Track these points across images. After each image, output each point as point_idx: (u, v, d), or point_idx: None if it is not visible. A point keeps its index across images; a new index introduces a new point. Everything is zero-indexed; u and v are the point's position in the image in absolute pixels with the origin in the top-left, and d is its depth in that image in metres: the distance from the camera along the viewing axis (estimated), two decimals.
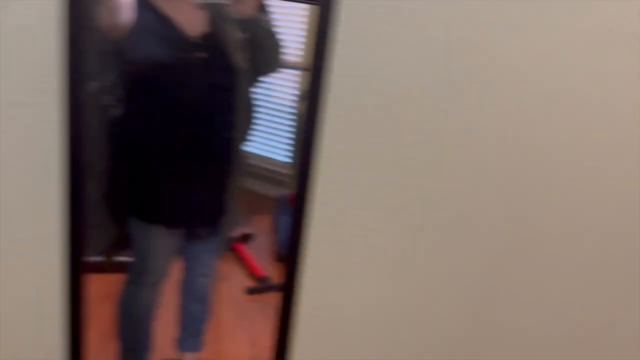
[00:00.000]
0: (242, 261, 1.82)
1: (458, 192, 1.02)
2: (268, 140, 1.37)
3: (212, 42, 1.09)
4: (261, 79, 1.17)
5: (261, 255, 1.82)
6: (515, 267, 1.10)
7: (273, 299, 1.87)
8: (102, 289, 1.65)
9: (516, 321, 1.14)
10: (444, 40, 0.95)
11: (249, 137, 1.26)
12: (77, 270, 0.94)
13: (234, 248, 1.84)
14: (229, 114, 1.14)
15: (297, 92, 1.61)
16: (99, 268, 1.56)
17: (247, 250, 1.80)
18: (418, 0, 0.92)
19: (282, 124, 1.14)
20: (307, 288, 1.07)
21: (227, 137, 1.17)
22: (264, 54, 1.10)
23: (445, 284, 1.08)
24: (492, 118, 1.01)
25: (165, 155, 1.15)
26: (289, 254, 1.01)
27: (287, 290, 1.03)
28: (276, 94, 1.42)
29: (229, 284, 1.75)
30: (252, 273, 1.79)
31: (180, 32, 1.08)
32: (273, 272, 1.84)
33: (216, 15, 1.09)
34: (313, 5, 0.88)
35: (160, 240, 1.22)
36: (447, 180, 1.01)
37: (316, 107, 0.93)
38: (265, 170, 1.35)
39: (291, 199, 1.99)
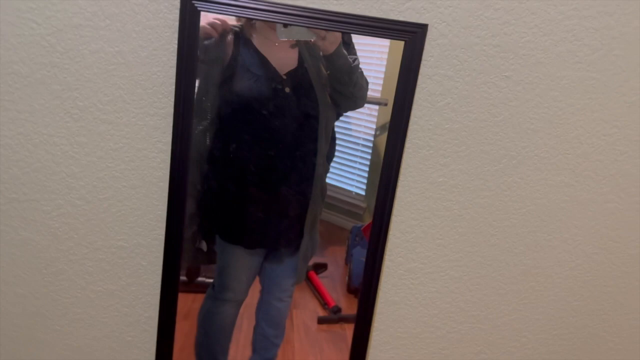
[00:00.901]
0: (315, 290, 1.85)
1: (535, 224, 1.00)
2: (344, 172, 1.42)
3: (298, 78, 1.20)
4: (345, 113, 1.24)
5: (333, 286, 1.84)
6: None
7: (342, 330, 1.88)
8: (183, 307, 1.75)
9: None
10: (527, 80, 0.95)
11: (329, 168, 1.33)
12: (174, 288, 0.99)
13: (308, 277, 1.87)
14: (313, 143, 1.23)
15: (375, 126, 1.65)
16: (184, 287, 1.67)
17: (320, 280, 1.83)
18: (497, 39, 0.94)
19: (359, 156, 1.17)
20: (380, 319, 1.08)
21: (309, 166, 1.25)
22: (347, 89, 1.17)
23: (521, 318, 1.04)
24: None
25: (252, 181, 1.24)
26: (364, 285, 1.02)
27: (361, 321, 1.03)
28: (354, 127, 1.47)
29: (301, 312, 1.78)
30: (324, 302, 1.81)
31: (273, 69, 1.19)
32: (344, 303, 1.86)
33: (304, 52, 1.19)
34: (395, 40, 0.91)
35: (241, 260, 1.30)
36: (526, 207, 0.99)
37: (398, 141, 0.95)
38: (340, 202, 1.39)
39: (365, 230, 2.00)
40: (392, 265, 1.04)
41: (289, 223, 1.32)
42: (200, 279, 1.66)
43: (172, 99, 1.00)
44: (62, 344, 1.07)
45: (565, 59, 0.95)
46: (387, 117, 1.54)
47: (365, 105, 1.20)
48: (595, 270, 1.03)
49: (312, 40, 1.13)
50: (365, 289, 1.04)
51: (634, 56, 0.95)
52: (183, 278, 1.68)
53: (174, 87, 1.01)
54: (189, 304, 1.62)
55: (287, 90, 1.19)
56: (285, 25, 1.10)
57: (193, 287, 1.65)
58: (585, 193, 0.99)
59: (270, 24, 1.09)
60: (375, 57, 1.14)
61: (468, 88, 0.98)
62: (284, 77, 1.19)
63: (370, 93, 1.17)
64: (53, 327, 1.02)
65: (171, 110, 1.00)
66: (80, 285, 1.06)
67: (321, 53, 1.16)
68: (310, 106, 1.19)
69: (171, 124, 1.02)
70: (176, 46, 0.98)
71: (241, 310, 1.47)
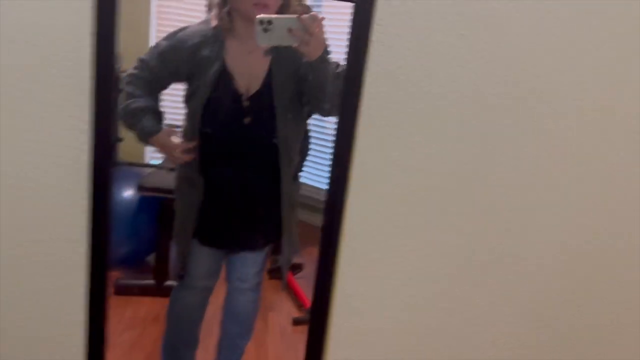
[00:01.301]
0: (291, 291, 1.82)
1: (501, 203, 0.97)
2: (318, 170, 1.37)
3: (261, 103, 1.22)
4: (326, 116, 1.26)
5: (310, 286, 1.80)
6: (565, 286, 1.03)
7: None
8: (153, 311, 1.70)
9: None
10: (486, 40, 0.90)
11: (303, 165, 1.36)
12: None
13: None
14: (274, 163, 1.24)
15: None
16: (150, 291, 1.63)
17: (296, 280, 1.79)
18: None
19: (329, 153, 1.13)
20: (338, 313, 1.04)
21: (270, 178, 1.27)
22: (327, 93, 1.15)
23: (494, 310, 1.02)
24: (542, 126, 0.95)
25: (209, 189, 1.27)
26: (318, 279, 0.98)
27: (317, 318, 0.99)
28: (327, 124, 1.43)
29: (277, 314, 1.75)
30: (300, 303, 1.78)
31: (235, 88, 1.21)
32: None
33: (275, 66, 1.20)
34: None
35: (197, 250, 1.33)
36: (487, 191, 0.96)
37: (349, 122, 0.90)
38: (316, 201, 1.35)
39: None
40: (351, 256, 1.00)
41: (248, 229, 1.34)
42: (169, 282, 1.61)
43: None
44: None
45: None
46: None
47: None
48: (571, 258, 1.01)
49: (295, 45, 1.06)
50: (319, 283, 1.01)
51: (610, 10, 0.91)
52: (151, 282, 1.64)
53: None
54: (157, 309, 1.57)
55: (247, 120, 1.22)
56: (265, 30, 1.03)
57: (163, 290, 1.61)
58: (560, 174, 0.96)
59: (251, 28, 1.02)
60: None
61: (425, 54, 0.90)
62: (246, 102, 1.21)
63: None
64: None
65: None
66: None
67: (304, 59, 1.10)
68: (269, 134, 1.21)
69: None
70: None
71: (213, 313, 1.44)
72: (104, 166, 0.88)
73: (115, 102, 0.99)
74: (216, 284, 1.39)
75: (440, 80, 0.90)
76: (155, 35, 1.84)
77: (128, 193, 1.54)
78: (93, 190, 0.89)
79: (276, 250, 1.79)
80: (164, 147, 1.25)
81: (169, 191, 1.39)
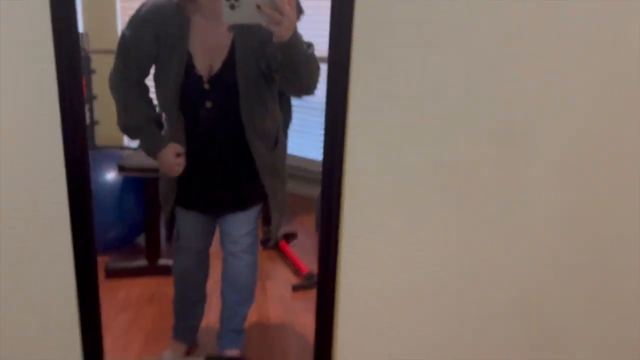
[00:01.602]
0: (287, 259, 1.82)
1: (500, 175, 0.95)
2: (304, 139, 1.34)
3: (222, 83, 1.20)
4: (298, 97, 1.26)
5: (305, 253, 1.81)
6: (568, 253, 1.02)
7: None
8: (147, 292, 1.70)
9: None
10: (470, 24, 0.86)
11: (286, 133, 1.38)
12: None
13: (278, 247, 1.83)
14: (241, 138, 1.25)
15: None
16: (143, 272, 1.61)
17: (291, 249, 1.79)
18: None
19: (317, 121, 1.09)
20: (345, 279, 1.03)
21: (242, 146, 1.27)
22: (299, 81, 1.13)
23: (480, 269, 1.02)
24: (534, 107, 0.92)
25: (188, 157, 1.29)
26: (323, 247, 0.96)
27: (325, 283, 0.98)
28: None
29: (274, 283, 1.75)
30: (297, 270, 1.78)
31: (195, 72, 1.19)
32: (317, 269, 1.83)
33: (239, 44, 1.16)
34: None
35: (186, 214, 1.35)
36: (484, 163, 0.94)
37: (340, 98, 0.86)
38: (305, 171, 1.32)
39: None
40: (351, 224, 0.98)
41: (229, 194, 1.34)
42: (162, 261, 1.60)
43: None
44: None
45: None
46: None
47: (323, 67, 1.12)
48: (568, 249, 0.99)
49: (264, 24, 0.98)
50: (323, 246, 0.98)
51: None
52: (143, 262, 1.62)
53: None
54: (151, 289, 1.57)
55: (208, 105, 1.21)
56: (232, 7, 0.94)
57: (156, 269, 1.60)
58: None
59: (218, 5, 0.94)
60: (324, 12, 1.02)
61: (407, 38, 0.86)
62: (206, 86, 1.19)
63: (321, 54, 1.07)
64: None
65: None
66: None
67: (275, 40, 1.03)
68: (233, 115, 1.20)
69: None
70: None
71: (211, 288, 1.44)
72: (77, 148, 0.84)
73: (83, 84, 0.95)
74: (210, 245, 1.41)
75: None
76: (121, 10, 1.76)
77: (111, 176, 1.49)
78: (69, 173, 0.85)
79: (267, 221, 1.79)
80: (165, 163, 1.26)
81: (151, 170, 1.36)
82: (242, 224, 1.36)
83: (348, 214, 0.98)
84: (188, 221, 1.36)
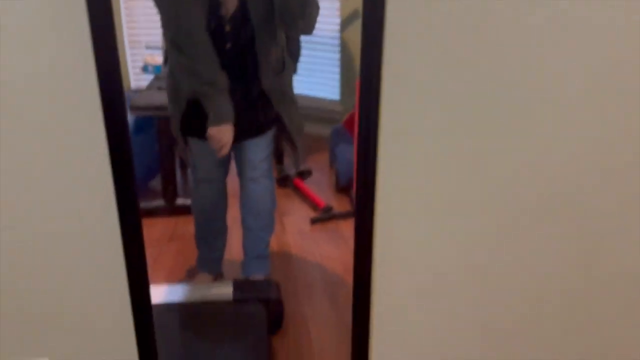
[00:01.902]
0: (303, 196, 1.82)
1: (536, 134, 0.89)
2: (315, 77, 1.29)
3: (238, 20, 1.24)
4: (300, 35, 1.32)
5: (320, 189, 1.80)
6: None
7: (337, 227, 1.89)
8: (167, 231, 1.74)
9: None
10: None
11: (297, 66, 1.40)
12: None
13: (293, 184, 1.83)
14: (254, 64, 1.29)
15: (339, 20, 1.47)
16: (162, 212, 1.65)
17: (307, 186, 1.78)
18: None
19: (327, 58, 1.04)
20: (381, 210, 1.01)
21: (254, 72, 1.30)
22: (297, 21, 1.18)
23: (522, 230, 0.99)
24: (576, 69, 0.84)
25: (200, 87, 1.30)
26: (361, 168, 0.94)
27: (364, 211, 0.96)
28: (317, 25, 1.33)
29: (292, 218, 1.77)
30: (315, 205, 1.79)
31: (218, 12, 1.22)
32: (334, 203, 1.84)
33: None
34: None
35: (200, 144, 1.37)
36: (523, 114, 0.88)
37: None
38: (316, 111, 1.29)
39: (347, 123, 1.91)
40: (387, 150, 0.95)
41: (241, 121, 1.35)
42: (179, 200, 1.62)
43: None
44: None
45: None
46: (351, 8, 1.36)
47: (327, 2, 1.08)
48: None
49: None
50: (361, 170, 0.96)
51: None
52: (161, 202, 1.65)
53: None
54: (172, 228, 1.61)
55: (228, 46, 1.24)
56: None
57: (174, 210, 1.63)
58: None
59: None
60: None
61: None
62: (227, 27, 1.22)
63: None
64: None
65: None
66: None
67: None
68: (248, 51, 1.24)
69: None
70: None
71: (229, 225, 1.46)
72: (114, 89, 0.83)
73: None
74: (227, 175, 1.44)
75: None
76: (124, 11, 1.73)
77: None
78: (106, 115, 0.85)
79: (280, 161, 1.77)
80: (222, 139, 1.28)
81: (164, 108, 1.35)
82: (260, 149, 1.39)
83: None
84: (205, 152, 1.37)
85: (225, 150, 1.28)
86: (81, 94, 0.91)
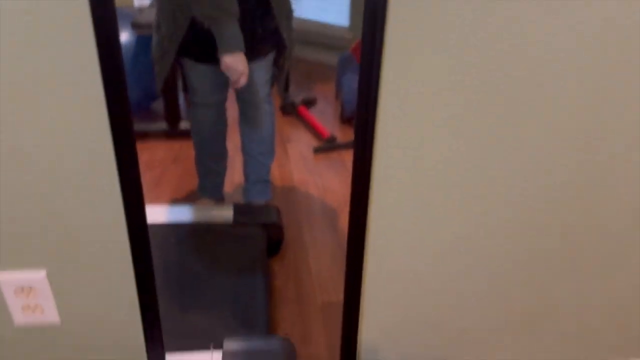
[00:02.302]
0: (307, 124, 1.81)
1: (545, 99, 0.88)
2: (325, 4, 1.23)
3: None
4: None
5: (325, 119, 1.79)
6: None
7: (340, 157, 1.90)
8: (170, 154, 1.75)
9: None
10: None
11: None
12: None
13: (298, 112, 1.81)
14: None
15: None
16: (164, 135, 1.65)
17: (312, 114, 1.77)
18: None
19: None
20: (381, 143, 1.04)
21: None
22: None
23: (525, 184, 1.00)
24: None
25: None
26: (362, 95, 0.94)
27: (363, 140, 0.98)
28: None
29: (296, 145, 1.77)
30: (318, 134, 1.79)
31: None
32: (338, 134, 1.83)
33: None
34: None
35: (202, 68, 1.33)
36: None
37: None
38: (323, 37, 1.24)
39: (354, 50, 1.85)
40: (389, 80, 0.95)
41: (248, 41, 1.27)
42: (183, 124, 1.61)
43: None
44: None
45: None
46: None
47: None
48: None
49: None
50: (362, 99, 0.98)
51: None
52: (163, 126, 1.65)
53: None
54: (175, 150, 1.62)
55: None
56: None
57: (178, 133, 1.63)
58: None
59: None
60: None
61: None
62: None
63: None
64: None
65: None
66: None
67: None
68: None
69: None
70: None
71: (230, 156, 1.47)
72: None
73: None
74: (226, 99, 1.41)
75: None
76: None
77: (124, 37, 1.44)
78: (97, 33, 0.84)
79: (286, 87, 1.74)
80: (238, 68, 1.23)
81: None
82: (262, 71, 1.36)
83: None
84: (202, 74, 1.35)
85: (245, 80, 1.26)
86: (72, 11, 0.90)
